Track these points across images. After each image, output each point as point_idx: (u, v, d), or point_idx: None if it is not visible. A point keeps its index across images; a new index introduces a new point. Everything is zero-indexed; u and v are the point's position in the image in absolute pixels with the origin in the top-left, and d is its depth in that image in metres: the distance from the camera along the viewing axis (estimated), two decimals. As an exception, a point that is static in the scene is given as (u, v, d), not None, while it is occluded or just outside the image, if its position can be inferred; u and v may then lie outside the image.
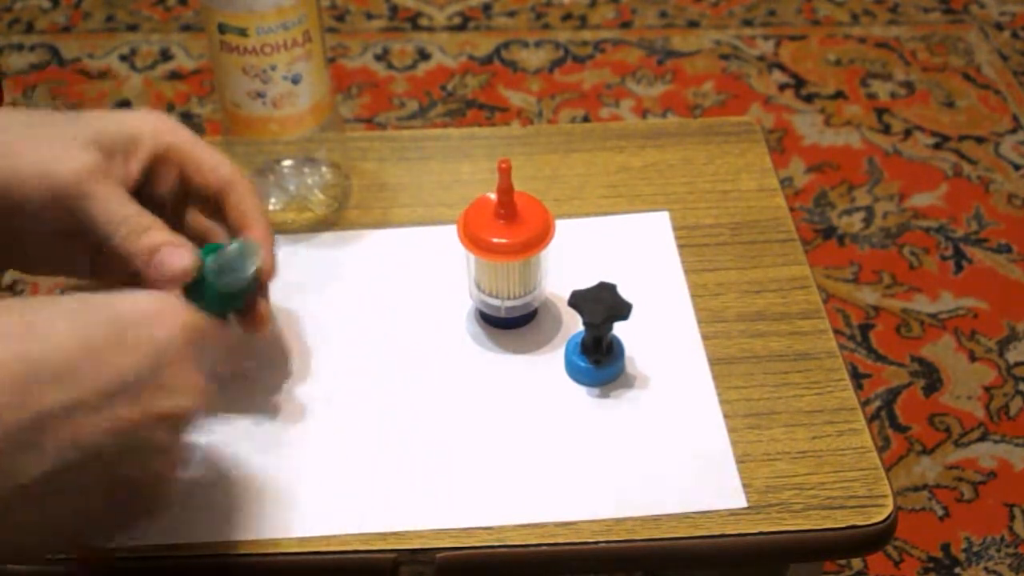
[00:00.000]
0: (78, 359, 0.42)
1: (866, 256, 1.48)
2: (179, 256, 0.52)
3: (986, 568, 1.15)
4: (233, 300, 0.55)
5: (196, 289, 0.52)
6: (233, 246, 0.54)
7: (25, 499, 0.41)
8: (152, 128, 0.55)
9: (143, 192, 0.55)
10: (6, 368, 0.40)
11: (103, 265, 0.54)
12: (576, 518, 0.57)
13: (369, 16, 1.92)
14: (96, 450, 0.42)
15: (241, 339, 0.56)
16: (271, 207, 0.74)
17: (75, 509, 0.44)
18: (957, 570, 1.15)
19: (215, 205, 0.57)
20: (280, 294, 0.69)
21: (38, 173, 0.50)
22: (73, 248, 0.54)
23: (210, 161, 0.56)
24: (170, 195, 0.57)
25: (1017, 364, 1.34)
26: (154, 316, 0.45)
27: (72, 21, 1.91)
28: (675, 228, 0.73)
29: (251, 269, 0.54)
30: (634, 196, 0.75)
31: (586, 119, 1.69)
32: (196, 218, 0.59)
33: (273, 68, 0.67)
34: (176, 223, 0.57)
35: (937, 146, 1.65)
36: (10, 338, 0.41)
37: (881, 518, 0.57)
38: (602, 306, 0.60)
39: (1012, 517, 1.20)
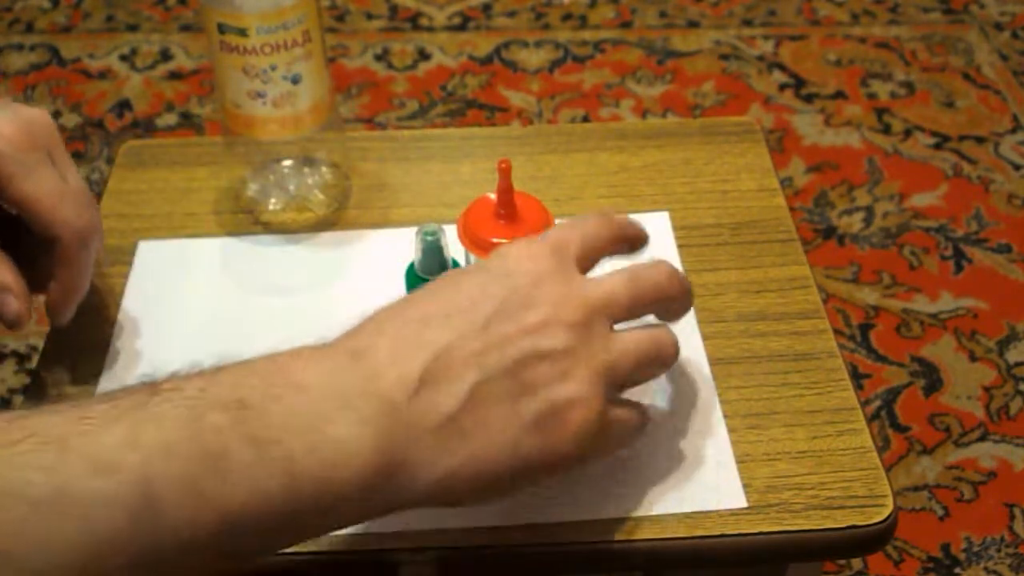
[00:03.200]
0: (454, 305, 0.50)
1: (866, 256, 1.48)
2: (12, 305, 0.56)
3: (986, 568, 1.15)
4: None
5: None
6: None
7: (451, 432, 0.47)
8: None
9: None
10: (403, 328, 0.49)
11: None
12: (576, 518, 0.57)
13: (369, 16, 1.92)
14: (494, 367, 0.48)
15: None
16: (271, 207, 0.74)
17: (501, 437, 0.47)
18: (957, 570, 1.15)
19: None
20: (281, 294, 0.70)
21: None
22: None
23: (40, 210, 0.57)
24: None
25: (1017, 364, 1.34)
26: (512, 252, 0.52)
27: (72, 21, 1.91)
28: (675, 228, 0.73)
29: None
30: (634, 196, 0.75)
31: (586, 119, 1.69)
32: None
33: (273, 68, 0.67)
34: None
35: (937, 146, 1.65)
36: (409, 297, 0.52)
37: (881, 518, 0.57)
38: None
39: (1012, 517, 1.20)
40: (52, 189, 0.57)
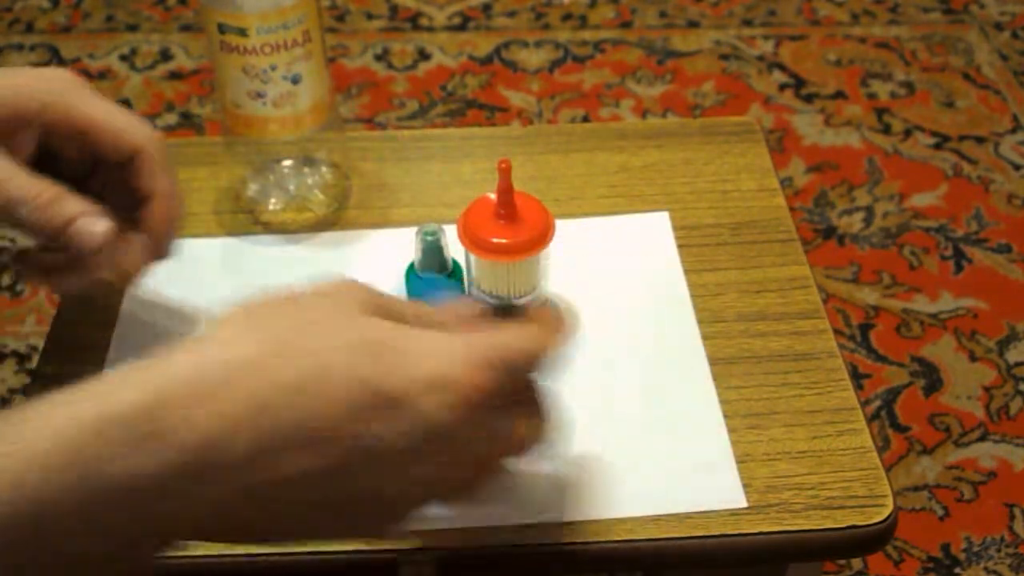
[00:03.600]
0: (335, 427, 0.40)
1: (866, 256, 1.48)
2: (94, 226, 0.52)
3: (986, 568, 1.15)
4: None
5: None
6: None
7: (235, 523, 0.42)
8: (38, 101, 0.54)
9: (48, 163, 0.54)
10: (264, 433, 0.40)
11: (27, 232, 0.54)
12: (576, 518, 0.57)
13: (369, 16, 1.92)
14: (323, 496, 0.42)
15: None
16: (271, 207, 0.74)
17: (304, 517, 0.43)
18: (957, 570, 1.15)
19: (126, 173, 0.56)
20: (280, 294, 0.69)
21: None
22: None
23: (110, 133, 0.55)
24: (79, 164, 0.56)
25: (1017, 364, 1.34)
26: (434, 388, 0.42)
27: (72, 21, 1.91)
28: (675, 228, 0.73)
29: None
30: (634, 196, 0.75)
31: (586, 119, 1.69)
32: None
33: (273, 68, 0.67)
34: (91, 190, 0.56)
35: (937, 146, 1.65)
36: (283, 396, 0.40)
37: (881, 518, 0.57)
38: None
39: (1012, 517, 1.20)
40: (113, 107, 0.55)
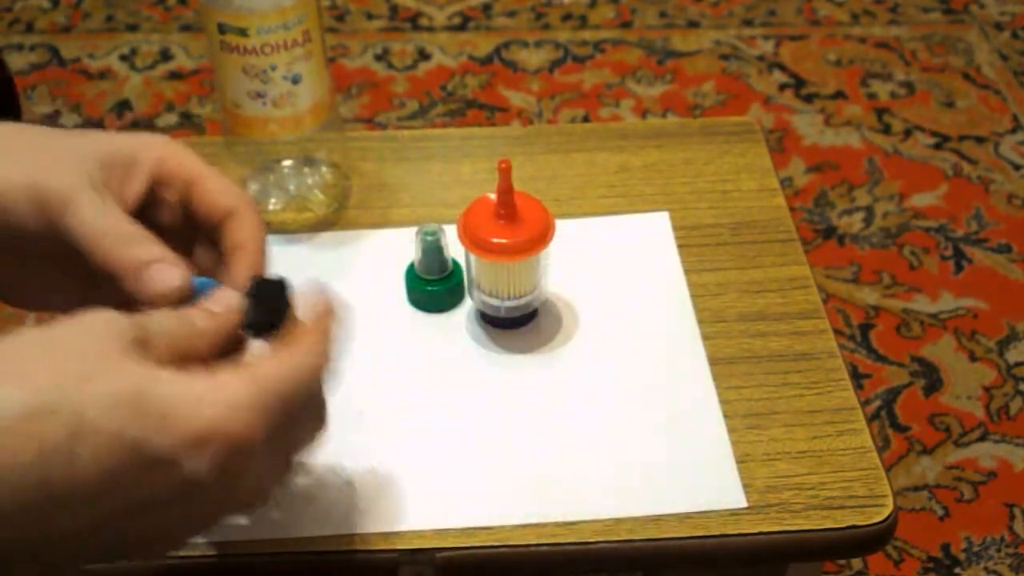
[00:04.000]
0: (99, 490, 0.40)
1: (866, 256, 1.48)
2: (170, 274, 0.49)
3: (986, 568, 1.15)
4: None
5: None
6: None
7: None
8: (156, 151, 0.53)
9: (147, 219, 0.53)
10: (26, 493, 0.39)
11: (98, 300, 0.51)
12: (576, 518, 0.57)
13: (369, 16, 1.92)
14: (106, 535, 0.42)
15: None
16: (271, 207, 0.74)
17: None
18: (957, 570, 1.15)
19: (217, 234, 0.55)
20: (280, 294, 0.69)
21: (26, 184, 0.48)
22: (64, 278, 0.52)
23: (216, 187, 0.54)
24: (175, 223, 0.55)
25: (1017, 364, 1.34)
26: (204, 443, 0.41)
27: (72, 21, 1.91)
28: (675, 228, 0.73)
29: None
30: (634, 196, 0.75)
31: (586, 119, 1.69)
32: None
33: (273, 68, 0.67)
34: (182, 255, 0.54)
35: (937, 146, 1.65)
36: (53, 458, 0.39)
37: (881, 518, 0.57)
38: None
39: (1012, 517, 1.20)
40: (215, 168, 0.55)
